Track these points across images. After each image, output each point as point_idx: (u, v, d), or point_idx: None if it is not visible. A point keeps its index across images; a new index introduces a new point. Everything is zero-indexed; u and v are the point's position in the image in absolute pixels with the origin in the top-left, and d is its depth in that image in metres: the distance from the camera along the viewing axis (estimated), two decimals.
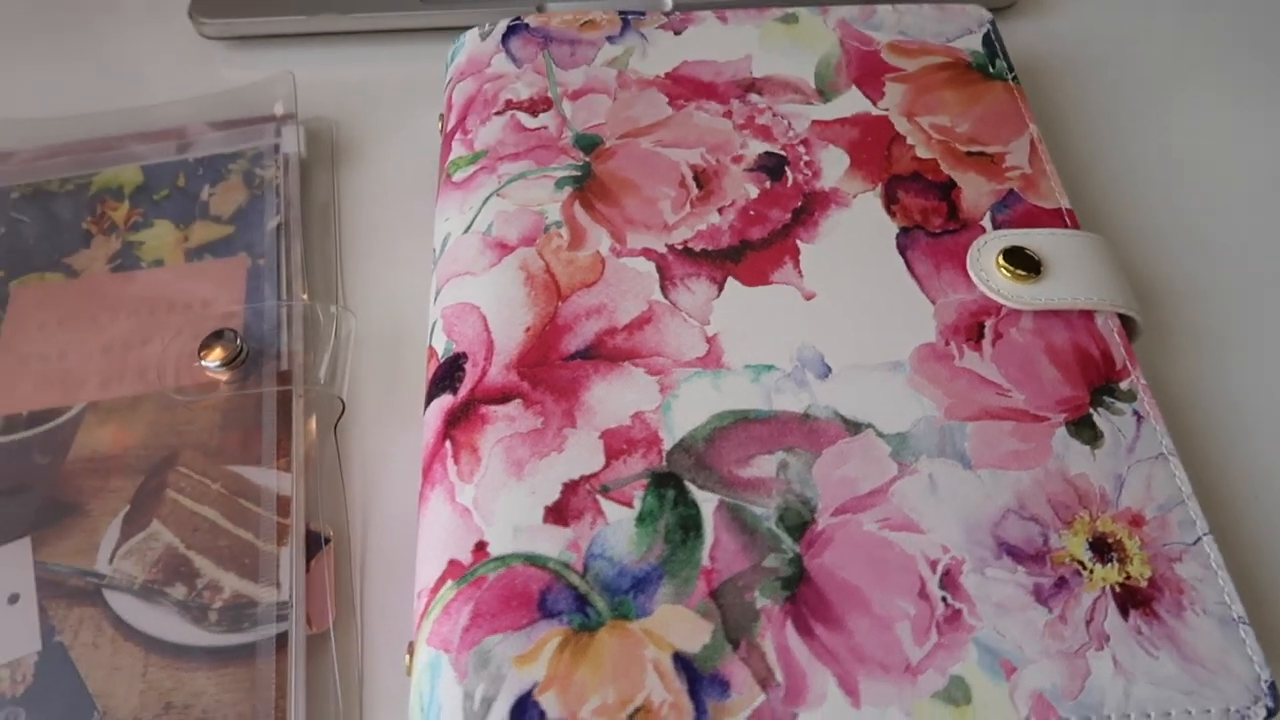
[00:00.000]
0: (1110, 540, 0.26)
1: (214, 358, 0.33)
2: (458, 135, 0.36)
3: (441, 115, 0.38)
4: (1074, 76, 0.42)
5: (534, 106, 0.36)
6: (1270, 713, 0.23)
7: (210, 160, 0.39)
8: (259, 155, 0.39)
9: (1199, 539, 0.26)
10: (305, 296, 0.35)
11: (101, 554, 0.29)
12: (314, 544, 0.30)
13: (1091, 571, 0.25)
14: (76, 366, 0.33)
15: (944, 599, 0.25)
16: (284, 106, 0.40)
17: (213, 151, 0.39)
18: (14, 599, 0.29)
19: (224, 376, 0.33)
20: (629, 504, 0.27)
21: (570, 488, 0.27)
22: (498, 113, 0.36)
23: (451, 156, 0.35)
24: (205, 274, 0.36)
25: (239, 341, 0.33)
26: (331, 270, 0.37)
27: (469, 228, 0.33)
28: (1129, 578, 0.25)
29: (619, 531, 0.26)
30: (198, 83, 0.43)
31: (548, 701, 0.24)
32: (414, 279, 0.36)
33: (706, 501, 0.27)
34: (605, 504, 0.27)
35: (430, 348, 0.31)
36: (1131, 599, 0.25)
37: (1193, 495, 0.26)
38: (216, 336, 0.33)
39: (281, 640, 0.28)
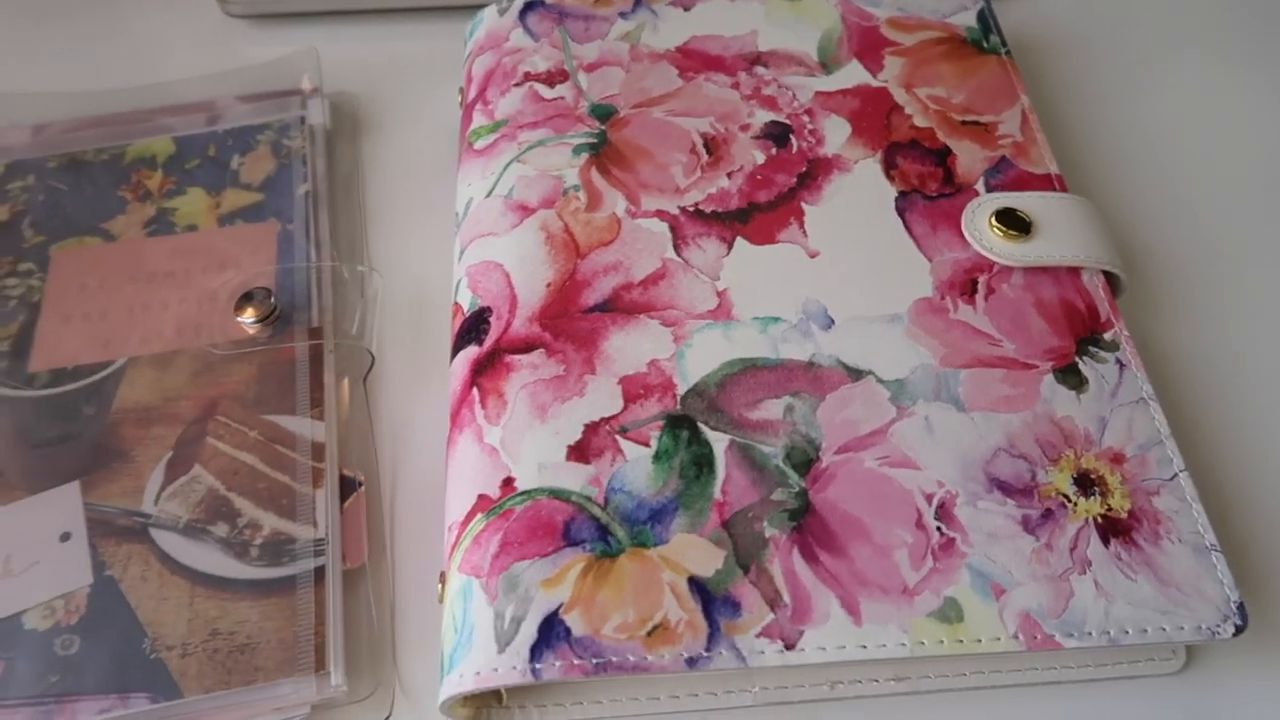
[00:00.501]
0: (1093, 476, 0.28)
1: (248, 315, 0.34)
2: (478, 106, 0.38)
3: (461, 88, 0.40)
4: (1065, 53, 0.43)
5: (551, 78, 0.38)
6: (1239, 629, 0.25)
7: (239, 131, 0.41)
8: (285, 127, 0.41)
9: (1175, 475, 0.28)
10: (334, 258, 0.37)
11: (147, 496, 0.31)
12: (347, 487, 0.31)
13: (1076, 504, 0.27)
14: (118, 324, 0.35)
15: (939, 528, 0.27)
16: (310, 80, 0.42)
17: (241, 123, 0.41)
18: (66, 537, 0.31)
19: (258, 332, 0.34)
20: (646, 443, 0.29)
21: (591, 428, 0.29)
22: (516, 84, 0.38)
23: (473, 126, 0.37)
24: (237, 238, 0.37)
25: (272, 300, 0.35)
26: (357, 236, 0.38)
27: (491, 192, 0.35)
28: (1110, 509, 0.27)
29: (637, 468, 0.28)
30: (224, 59, 0.44)
31: (573, 620, 0.26)
32: (435, 244, 0.38)
33: (718, 441, 0.29)
34: (624, 443, 0.29)
35: (455, 304, 0.33)
36: (1112, 528, 0.27)
37: (1170, 436, 0.28)
38: (250, 296, 0.35)
39: (319, 573, 0.29)
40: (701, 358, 0.30)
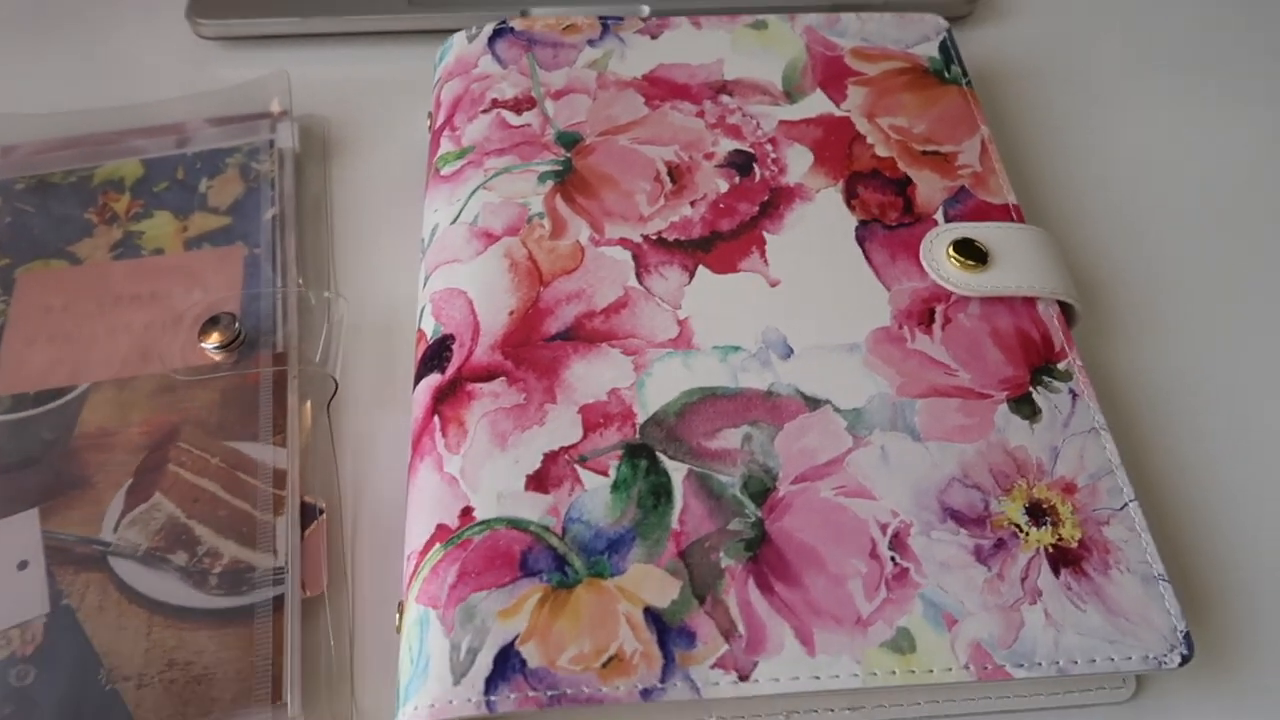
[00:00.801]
0: (1045, 506, 0.28)
1: (213, 340, 0.34)
2: (446, 132, 0.38)
3: (430, 113, 0.40)
4: (1025, 83, 0.44)
5: (518, 105, 0.38)
6: (1185, 659, 0.26)
7: (208, 154, 0.41)
8: (255, 150, 0.41)
9: (1125, 505, 0.28)
10: (300, 284, 0.37)
11: (106, 523, 0.31)
12: (308, 515, 0.32)
13: (1027, 534, 0.28)
14: (82, 348, 0.35)
15: (893, 558, 0.27)
16: (280, 103, 0.42)
17: (210, 146, 0.41)
18: (23, 565, 0.30)
19: (222, 358, 0.34)
20: (605, 473, 0.29)
21: (550, 458, 0.29)
22: (484, 111, 0.38)
23: (440, 152, 0.37)
24: (204, 262, 0.37)
25: (236, 325, 0.35)
26: (324, 260, 0.39)
27: (456, 218, 0.35)
28: (1061, 539, 0.28)
29: (595, 498, 0.28)
30: (194, 81, 0.45)
31: (528, 651, 0.26)
32: (402, 269, 0.38)
33: (676, 470, 0.29)
34: (583, 473, 0.29)
35: (419, 330, 0.33)
36: (1063, 558, 0.27)
37: (1121, 465, 0.29)
38: (215, 321, 0.35)
39: (278, 602, 0.29)
40: (661, 387, 0.31)
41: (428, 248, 0.35)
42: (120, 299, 0.36)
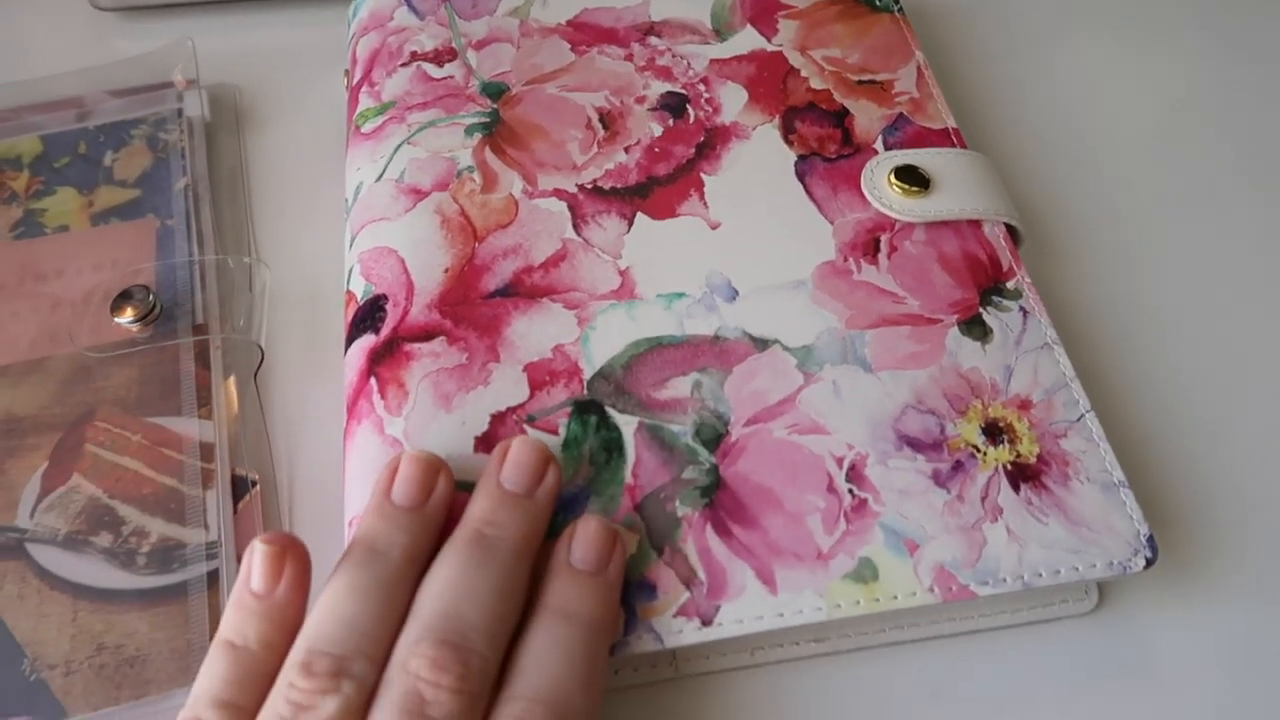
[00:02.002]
0: (1001, 424, 0.28)
1: (126, 315, 0.32)
2: (365, 88, 0.36)
3: (346, 71, 0.38)
4: (959, 19, 0.44)
5: (439, 57, 0.36)
6: (1149, 562, 0.25)
7: (112, 127, 0.38)
8: (161, 120, 0.39)
9: (1081, 416, 0.28)
10: (218, 253, 0.35)
11: (22, 510, 0.29)
12: (241, 487, 0.30)
13: (985, 454, 0.27)
14: None
15: (850, 491, 0.27)
16: (184, 73, 0.40)
17: (114, 119, 0.39)
18: None
19: (138, 331, 0.32)
20: (554, 431, 0.28)
21: (498, 418, 0.28)
22: (403, 64, 0.36)
23: (360, 109, 0.36)
24: (113, 237, 0.35)
25: (151, 298, 0.33)
26: (243, 229, 0.37)
27: (381, 176, 0.33)
28: (1019, 456, 0.27)
29: None
30: (94, 55, 0.42)
31: None
32: (325, 235, 0.36)
33: (627, 424, 0.28)
34: (532, 432, 0.28)
35: (349, 292, 0.31)
36: (1022, 474, 0.27)
37: (1075, 378, 0.29)
38: (127, 295, 0.33)
39: (212, 578, 0.28)
40: (607, 340, 0.29)
41: (352, 207, 0.33)
42: (24, 279, 0.34)
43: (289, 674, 0.22)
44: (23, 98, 0.40)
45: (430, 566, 0.24)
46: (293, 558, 0.24)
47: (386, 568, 0.24)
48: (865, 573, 0.25)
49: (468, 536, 0.24)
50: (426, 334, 0.30)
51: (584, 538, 0.25)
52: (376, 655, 0.22)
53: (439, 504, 0.25)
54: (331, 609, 0.23)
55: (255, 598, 0.23)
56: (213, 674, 0.22)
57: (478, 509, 0.25)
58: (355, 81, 0.37)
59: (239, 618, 0.23)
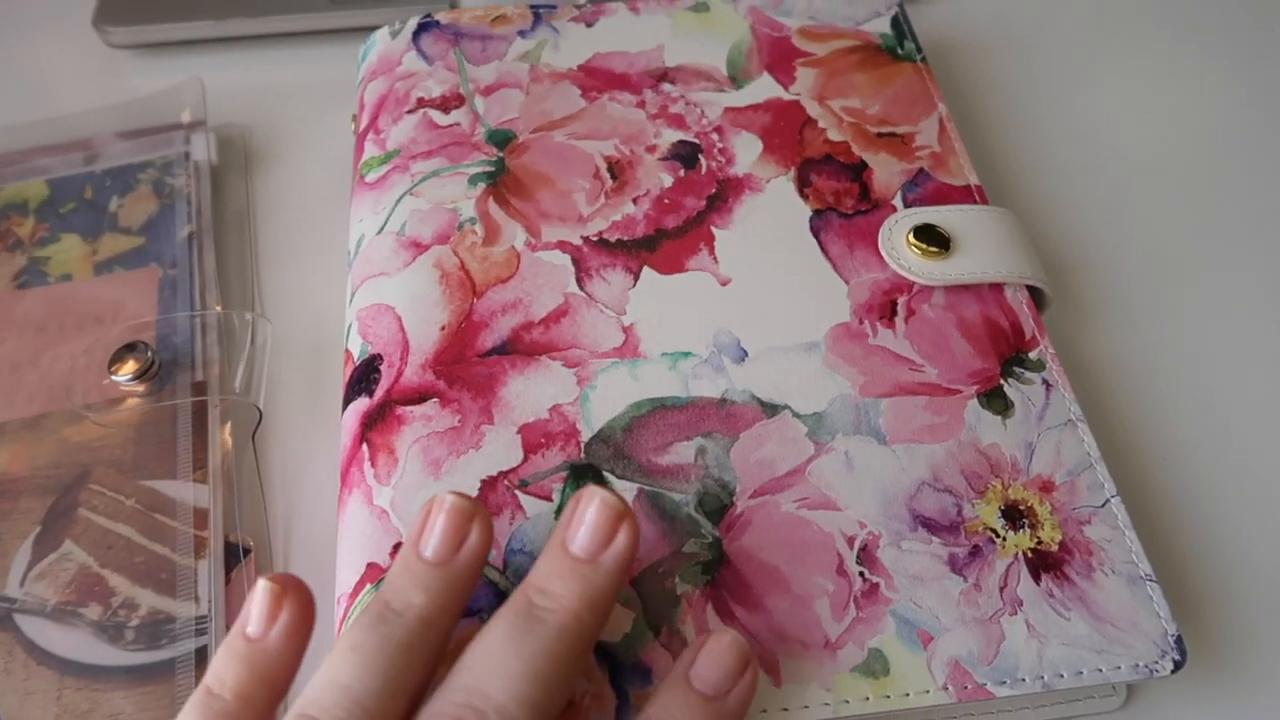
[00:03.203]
0: (1022, 507, 0.26)
1: (125, 371, 0.32)
2: (370, 135, 0.35)
3: (354, 116, 0.37)
4: (983, 58, 0.42)
5: (446, 103, 0.36)
6: (1177, 665, 0.24)
7: (118, 171, 0.38)
8: (169, 164, 0.38)
9: (1107, 501, 0.26)
10: (219, 306, 0.34)
11: (12, 577, 0.28)
12: (234, 555, 0.29)
13: (1004, 539, 0.26)
14: None
15: (861, 574, 0.25)
16: (192, 113, 0.39)
17: (121, 162, 0.38)
18: None
19: (136, 389, 0.32)
20: (548, 497, 0.27)
21: (489, 484, 0.27)
22: (410, 111, 0.35)
23: (364, 157, 0.35)
24: (115, 287, 0.35)
25: (150, 354, 0.32)
26: (248, 278, 0.36)
27: (383, 228, 0.33)
28: (1040, 542, 0.26)
29: (538, 526, 0.26)
30: (105, 93, 0.42)
31: None
32: (332, 284, 0.36)
33: (625, 491, 0.27)
34: (524, 499, 0.27)
35: (346, 351, 0.31)
36: (1043, 563, 0.25)
37: (1100, 459, 0.27)
38: (128, 349, 0.32)
39: (201, 655, 0.27)
40: (607, 400, 0.28)
41: (353, 261, 0.33)
42: (24, 331, 0.34)
43: None
44: (31, 140, 0.39)
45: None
46: (292, 601, 0.23)
47: (397, 630, 0.22)
48: (875, 666, 0.24)
49: (514, 606, 0.23)
50: (419, 396, 0.29)
51: (711, 656, 0.23)
52: None
53: (469, 559, 0.23)
54: (328, 671, 0.21)
55: (245, 640, 0.22)
56: None
57: (534, 573, 0.23)
58: (362, 128, 0.36)
59: (223, 661, 0.22)
